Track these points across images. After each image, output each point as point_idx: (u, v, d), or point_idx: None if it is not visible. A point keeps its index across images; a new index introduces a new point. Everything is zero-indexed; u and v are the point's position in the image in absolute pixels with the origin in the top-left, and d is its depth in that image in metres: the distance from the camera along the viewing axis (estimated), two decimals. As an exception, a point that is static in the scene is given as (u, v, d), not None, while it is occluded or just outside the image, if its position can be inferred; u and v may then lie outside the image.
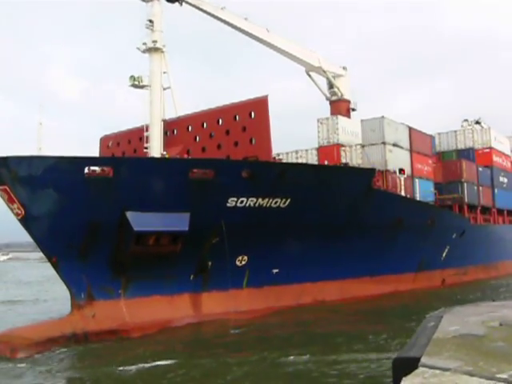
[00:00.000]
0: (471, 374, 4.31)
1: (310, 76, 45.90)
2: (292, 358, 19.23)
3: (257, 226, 27.43)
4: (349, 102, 46.76)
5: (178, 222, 25.24)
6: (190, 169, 24.54)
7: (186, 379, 17.48)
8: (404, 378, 4.37)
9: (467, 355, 4.93)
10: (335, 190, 28.46)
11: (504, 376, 4.22)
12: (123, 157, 28.04)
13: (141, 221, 24.52)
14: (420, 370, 4.57)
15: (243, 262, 28.92)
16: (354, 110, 46.83)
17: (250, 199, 26.45)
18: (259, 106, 27.63)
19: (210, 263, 27.82)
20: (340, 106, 45.51)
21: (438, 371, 4.45)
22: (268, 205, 27.15)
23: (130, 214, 24.46)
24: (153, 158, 26.20)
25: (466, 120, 62.27)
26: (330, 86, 46.54)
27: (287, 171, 26.26)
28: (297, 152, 38.13)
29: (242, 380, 17.26)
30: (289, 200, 27.45)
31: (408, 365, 4.79)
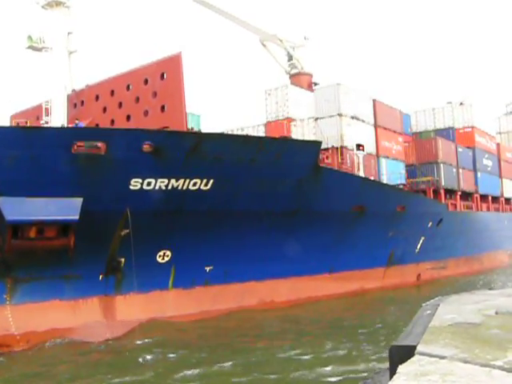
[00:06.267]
0: (467, 362, 4.35)
1: (264, 46, 40.53)
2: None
3: (175, 213, 22.60)
4: (311, 75, 41.37)
5: (65, 209, 20.29)
6: (72, 141, 19.20)
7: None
8: (400, 366, 4.35)
9: (463, 343, 4.99)
10: (271, 169, 23.26)
11: (499, 363, 4.27)
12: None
13: (16, 208, 19.62)
14: (416, 357, 4.59)
15: (166, 258, 24.22)
16: (316, 84, 41.44)
17: (159, 180, 21.28)
18: (171, 66, 22.22)
19: (122, 260, 23.08)
20: (301, 80, 40.07)
21: (434, 359, 4.48)
22: (185, 187, 21.95)
23: (0, 200, 19.41)
24: (20, 127, 20.89)
25: (449, 102, 57.91)
26: (290, 57, 41.19)
27: (202, 144, 20.90)
28: (243, 129, 32.80)
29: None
30: (211, 181, 22.22)
31: (404, 353, 4.81)
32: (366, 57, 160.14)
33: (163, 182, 21.33)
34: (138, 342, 20.17)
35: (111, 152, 19.66)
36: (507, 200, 54.14)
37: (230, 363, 16.46)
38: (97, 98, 26.02)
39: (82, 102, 26.84)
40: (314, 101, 31.31)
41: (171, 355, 18.07)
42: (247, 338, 20.62)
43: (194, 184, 22.01)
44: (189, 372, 15.64)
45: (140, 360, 17.52)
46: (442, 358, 4.48)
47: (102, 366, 17.63)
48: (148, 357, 17.72)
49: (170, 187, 21.59)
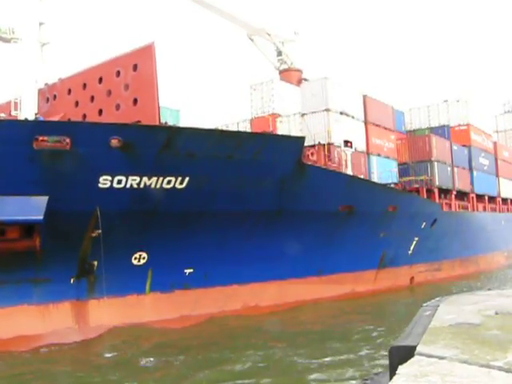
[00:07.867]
0: (467, 362, 4.38)
1: (252, 41, 39.24)
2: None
3: (149, 213, 21.37)
4: (301, 71, 40.07)
5: (28, 208, 19.02)
6: (33, 135, 17.91)
7: None
8: (400, 367, 4.37)
9: (463, 344, 5.02)
10: (251, 166, 21.99)
11: (499, 364, 4.30)
12: None
13: None
14: (416, 358, 4.61)
15: (142, 261, 23.04)
16: (306, 80, 40.21)
17: (130, 178, 20.00)
18: (143, 57, 20.93)
19: (95, 263, 21.79)
20: (290, 76, 38.77)
21: (433, 359, 4.51)
22: (158, 185, 20.66)
23: None
24: (-27, 121, 19.62)
25: (446, 101, 56.87)
26: (279, 53, 39.93)
27: (175, 139, 19.60)
28: (227, 126, 31.52)
29: None
30: (187, 179, 20.93)
31: (404, 353, 4.82)
32: (359, 54, 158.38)
33: (135, 179, 20.03)
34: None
35: (77, 147, 18.34)
36: (504, 200, 52.77)
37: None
38: (69, 91, 24.71)
39: (55, 97, 25.53)
40: (300, 96, 29.94)
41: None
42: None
43: (168, 182, 20.71)
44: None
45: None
46: (442, 358, 4.50)
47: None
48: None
49: (142, 185, 20.33)
